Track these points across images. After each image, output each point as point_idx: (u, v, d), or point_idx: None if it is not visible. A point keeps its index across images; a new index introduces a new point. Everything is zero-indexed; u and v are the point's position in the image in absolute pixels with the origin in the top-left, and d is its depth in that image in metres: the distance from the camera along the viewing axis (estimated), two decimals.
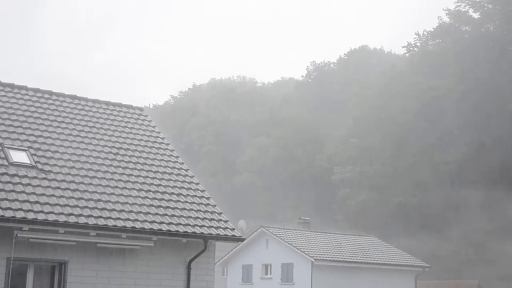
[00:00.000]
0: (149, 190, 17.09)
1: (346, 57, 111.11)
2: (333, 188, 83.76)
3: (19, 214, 13.81)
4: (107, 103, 21.29)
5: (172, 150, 20.03)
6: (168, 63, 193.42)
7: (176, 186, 17.89)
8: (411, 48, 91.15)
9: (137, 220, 15.45)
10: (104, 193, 16.02)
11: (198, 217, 16.77)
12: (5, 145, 16.36)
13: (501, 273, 60.95)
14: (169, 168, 18.77)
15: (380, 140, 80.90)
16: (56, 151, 17.11)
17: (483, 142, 74.11)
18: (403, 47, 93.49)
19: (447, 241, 69.25)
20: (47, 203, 14.58)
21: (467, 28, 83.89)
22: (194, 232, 16.05)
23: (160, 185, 17.61)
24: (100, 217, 14.96)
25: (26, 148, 16.65)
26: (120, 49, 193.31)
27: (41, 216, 14.05)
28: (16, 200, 14.24)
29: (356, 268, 42.35)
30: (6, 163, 15.54)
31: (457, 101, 76.59)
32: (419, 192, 75.49)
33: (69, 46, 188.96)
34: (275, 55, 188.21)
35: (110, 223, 14.91)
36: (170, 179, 18.14)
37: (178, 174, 18.64)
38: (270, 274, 43.90)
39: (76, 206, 14.97)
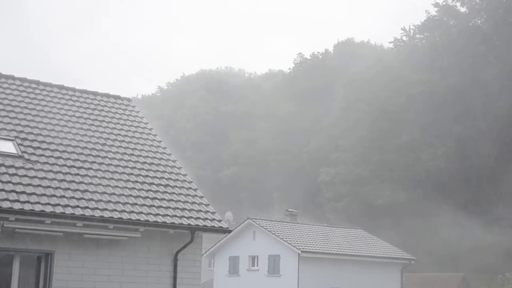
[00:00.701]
0: (136, 181, 17.05)
1: (333, 50, 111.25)
2: (321, 181, 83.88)
3: (5, 204, 13.74)
4: (95, 94, 21.20)
5: (160, 141, 19.98)
6: (157, 53, 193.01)
7: (163, 177, 17.86)
8: (398, 43, 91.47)
9: (124, 211, 15.41)
10: (91, 183, 15.97)
11: (185, 208, 16.76)
12: None
13: (485, 265, 61.41)
14: (156, 159, 18.73)
15: (367, 134, 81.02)
16: (43, 141, 17.03)
17: (471, 137, 74.45)
18: (390, 42, 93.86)
19: (433, 235, 69.61)
20: (33, 193, 14.51)
21: (455, 22, 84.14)
22: (181, 223, 16.03)
23: (147, 176, 17.57)
24: (87, 207, 14.91)
25: (13, 138, 16.55)
26: (109, 40, 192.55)
27: (27, 206, 13.98)
28: (3, 190, 14.16)
29: (343, 261, 42.51)
30: None
31: (445, 95, 76.83)
32: (405, 187, 75.73)
33: (57, 36, 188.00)
34: (263, 47, 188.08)
35: (97, 213, 14.86)
36: (157, 170, 18.10)
37: (165, 165, 18.60)
38: (257, 265, 43.98)
39: (63, 196, 14.91)
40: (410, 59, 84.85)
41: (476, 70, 75.81)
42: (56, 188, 15.13)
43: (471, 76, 75.75)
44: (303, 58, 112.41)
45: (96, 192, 15.69)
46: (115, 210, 15.29)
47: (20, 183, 14.68)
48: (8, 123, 17.24)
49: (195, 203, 17.25)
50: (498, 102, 72.86)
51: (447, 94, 76.62)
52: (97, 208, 15.03)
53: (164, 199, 16.76)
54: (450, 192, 71.94)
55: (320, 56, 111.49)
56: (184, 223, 16.10)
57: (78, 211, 14.64)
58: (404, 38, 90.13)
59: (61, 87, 20.55)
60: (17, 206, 13.86)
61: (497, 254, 62.36)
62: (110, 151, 18.06)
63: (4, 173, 14.80)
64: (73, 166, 16.41)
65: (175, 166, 18.80)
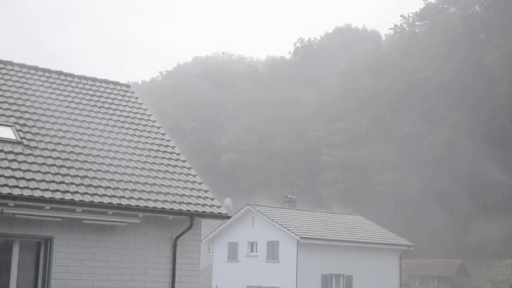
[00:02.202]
0: (136, 167, 17.05)
1: (331, 36, 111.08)
2: (319, 167, 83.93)
3: (5, 190, 13.74)
4: (94, 80, 21.17)
5: (159, 127, 19.96)
6: (155, 40, 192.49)
7: (162, 163, 17.86)
8: (398, 30, 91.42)
9: (123, 196, 15.42)
10: (90, 169, 15.96)
11: (184, 194, 16.76)
12: None
13: (483, 252, 61.64)
14: (155, 145, 18.72)
15: (364, 120, 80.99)
16: (42, 127, 17.01)
17: (471, 123, 74.45)
18: (390, 29, 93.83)
19: (431, 221, 69.77)
20: (33, 179, 14.51)
21: (454, 9, 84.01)
22: (180, 209, 16.04)
23: (146, 162, 17.57)
24: (86, 193, 14.92)
25: (12, 124, 16.53)
26: (108, 28, 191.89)
27: (26, 192, 13.99)
28: (2, 176, 14.15)
29: (341, 247, 42.63)
30: None
31: (444, 82, 76.79)
32: (404, 173, 75.82)
33: (55, 22, 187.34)
34: (262, 34, 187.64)
35: (96, 199, 14.87)
36: (156, 156, 18.10)
37: (164, 151, 18.60)
38: (256, 251, 44.11)
39: (62, 182, 14.92)
40: (409, 46, 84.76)
41: (475, 57, 75.78)
42: (55, 173, 15.13)
43: (470, 63, 75.71)
44: (303, 43, 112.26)
45: (95, 177, 15.69)
46: (114, 196, 15.31)
47: (19, 169, 14.68)
48: (7, 109, 17.22)
49: (194, 189, 17.26)
50: (498, 88, 72.84)
51: (446, 81, 76.57)
52: (96, 194, 15.04)
53: (163, 185, 16.76)
54: (449, 179, 71.98)
55: (318, 42, 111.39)
56: (183, 209, 16.12)
57: (77, 197, 14.64)
58: (404, 25, 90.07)
59: (59, 73, 20.52)
60: (16, 191, 13.87)
61: (495, 242, 62.61)
62: (109, 137, 18.05)
63: (3, 159, 14.79)
64: (72, 152, 16.40)
65: (174, 152, 18.80)
